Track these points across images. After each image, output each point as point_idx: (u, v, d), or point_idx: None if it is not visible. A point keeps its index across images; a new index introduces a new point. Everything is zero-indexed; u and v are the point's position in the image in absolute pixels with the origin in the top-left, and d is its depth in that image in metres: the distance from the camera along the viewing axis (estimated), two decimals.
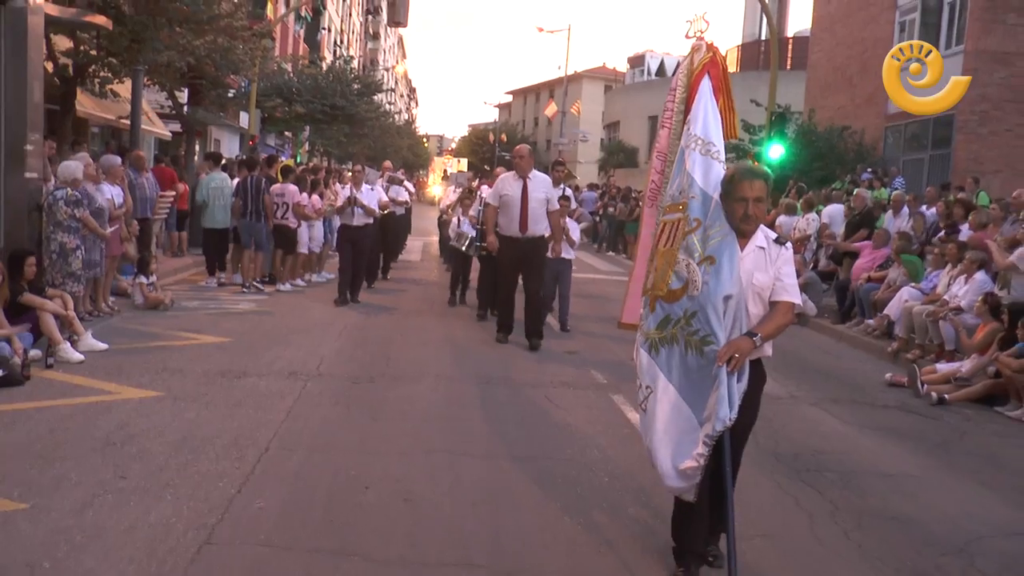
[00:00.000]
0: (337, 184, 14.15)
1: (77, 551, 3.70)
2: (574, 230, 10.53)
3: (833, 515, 4.77)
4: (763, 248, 3.72)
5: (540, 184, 9.02)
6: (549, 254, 9.47)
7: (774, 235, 3.80)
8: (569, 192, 11.19)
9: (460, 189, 13.53)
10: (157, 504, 4.27)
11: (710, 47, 4.04)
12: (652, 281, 3.84)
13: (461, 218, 11.78)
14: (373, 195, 11.92)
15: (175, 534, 3.93)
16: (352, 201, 11.39)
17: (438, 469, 5.10)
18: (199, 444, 5.24)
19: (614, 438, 5.97)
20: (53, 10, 8.82)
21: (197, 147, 20.66)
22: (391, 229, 14.34)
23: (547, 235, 9.26)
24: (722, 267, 3.57)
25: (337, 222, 12.54)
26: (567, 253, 10.16)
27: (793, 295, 3.72)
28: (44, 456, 4.87)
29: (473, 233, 11.25)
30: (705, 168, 3.74)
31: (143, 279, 10.13)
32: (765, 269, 3.70)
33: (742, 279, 3.63)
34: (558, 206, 9.37)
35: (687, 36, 4.18)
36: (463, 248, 11.44)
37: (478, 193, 11.88)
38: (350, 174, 14.13)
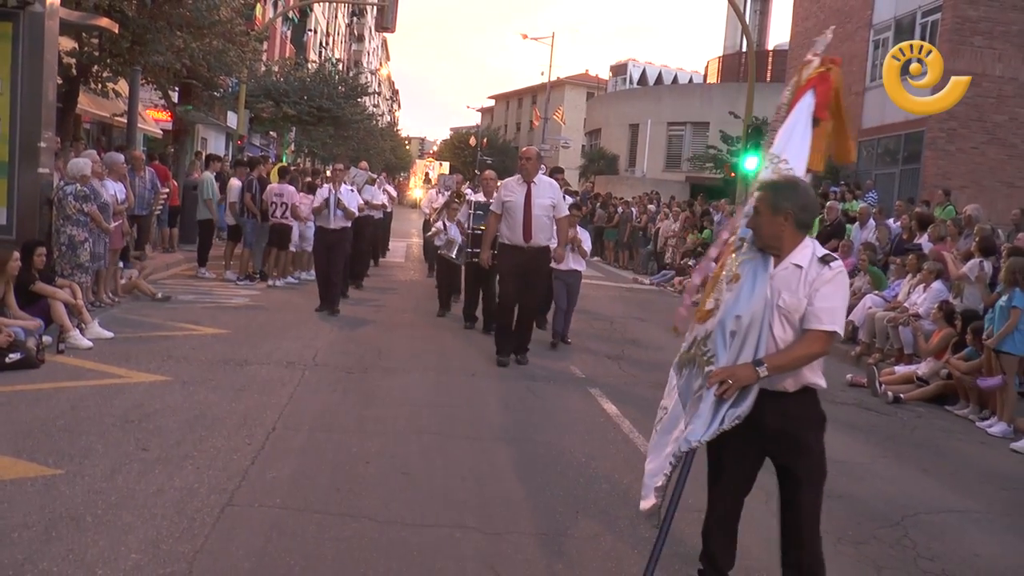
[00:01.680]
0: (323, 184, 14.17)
1: (114, 508, 4.15)
2: (586, 240, 10.01)
3: None
4: (799, 266, 3.26)
5: (546, 189, 8.42)
6: (552, 264, 8.95)
7: (822, 252, 3.32)
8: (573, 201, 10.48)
9: (447, 192, 12.86)
10: (179, 472, 4.73)
11: (825, 60, 3.65)
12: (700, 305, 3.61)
13: (448, 223, 11.20)
14: (354, 196, 11.40)
15: (199, 496, 4.39)
16: (328, 203, 10.81)
17: (430, 448, 5.60)
18: (211, 423, 5.69)
19: (590, 425, 6.49)
20: (64, 14, 9.22)
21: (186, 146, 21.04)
22: (366, 235, 13.48)
23: (553, 245, 8.70)
24: (743, 285, 3.30)
25: None
26: (579, 265, 9.81)
27: (827, 322, 3.20)
28: (69, 430, 5.30)
29: (461, 239, 10.89)
30: None
31: (121, 265, 10.56)
32: (795, 290, 3.23)
33: (770, 298, 3.26)
34: (566, 212, 8.78)
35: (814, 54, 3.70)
36: (453, 256, 11.04)
37: (466, 197, 11.45)
38: (329, 173, 13.11)
